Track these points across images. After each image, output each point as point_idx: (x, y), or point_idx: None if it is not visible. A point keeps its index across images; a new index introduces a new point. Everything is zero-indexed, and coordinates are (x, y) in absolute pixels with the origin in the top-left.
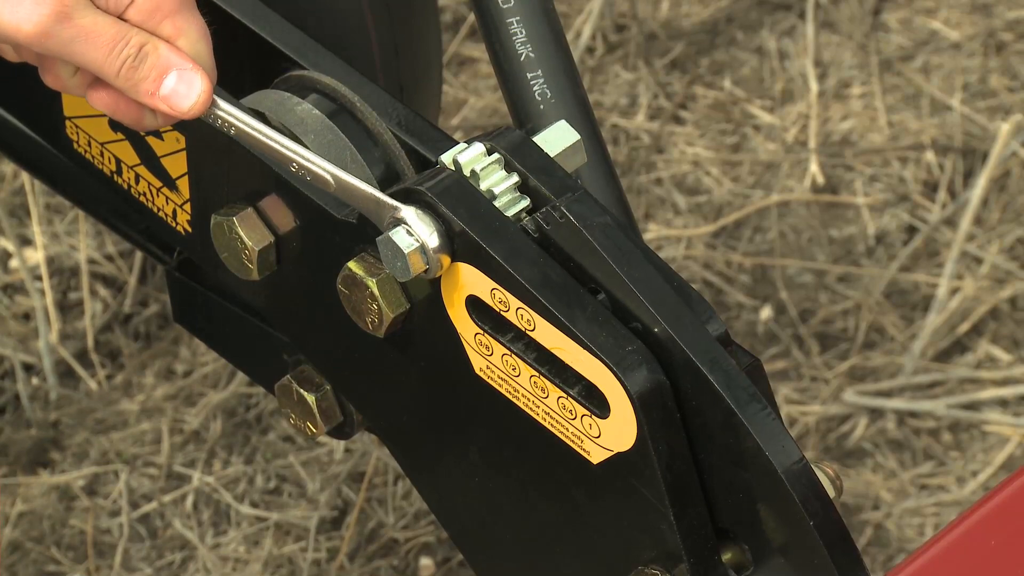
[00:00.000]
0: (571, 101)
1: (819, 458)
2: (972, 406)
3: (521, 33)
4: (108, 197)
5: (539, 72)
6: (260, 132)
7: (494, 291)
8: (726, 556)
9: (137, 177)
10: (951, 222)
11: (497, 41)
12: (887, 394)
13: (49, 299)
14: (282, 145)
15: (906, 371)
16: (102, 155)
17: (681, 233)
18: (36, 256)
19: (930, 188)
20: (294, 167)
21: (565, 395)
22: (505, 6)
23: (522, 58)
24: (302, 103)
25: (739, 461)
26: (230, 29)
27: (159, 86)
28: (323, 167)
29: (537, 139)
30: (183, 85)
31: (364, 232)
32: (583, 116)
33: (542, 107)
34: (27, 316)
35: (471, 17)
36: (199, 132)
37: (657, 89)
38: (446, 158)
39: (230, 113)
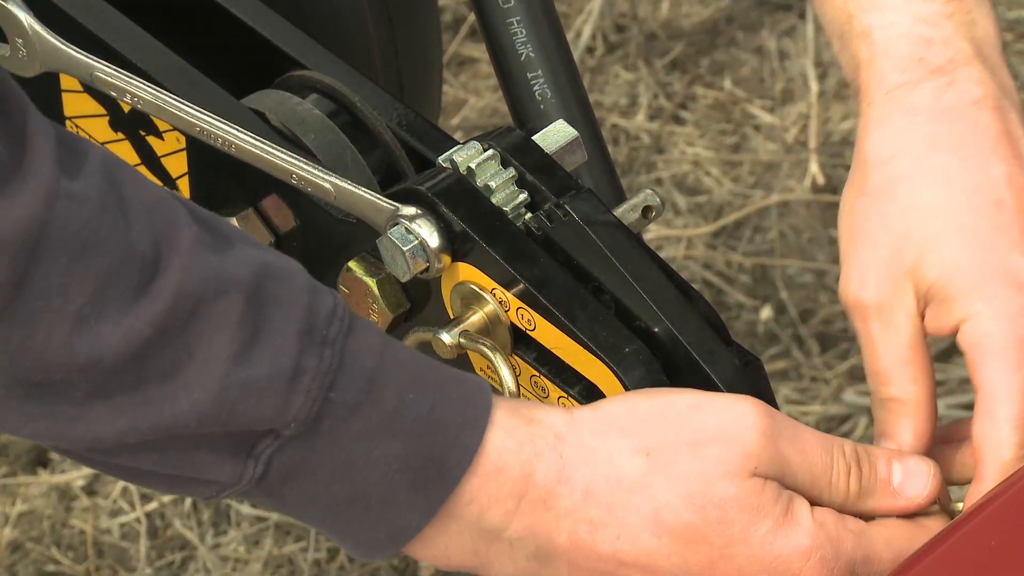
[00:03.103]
0: (571, 101)
1: None
2: (972, 406)
3: (521, 33)
4: None
5: (539, 72)
6: (259, 147)
7: (494, 291)
8: None
9: None
10: None
11: (497, 41)
12: None
13: None
14: (280, 158)
15: None
16: None
17: (681, 233)
18: None
19: None
20: (294, 179)
21: (565, 395)
22: (505, 6)
23: (522, 58)
24: (302, 103)
25: None
26: (230, 29)
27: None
28: (323, 177)
29: (535, 137)
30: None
31: (364, 232)
32: (583, 116)
33: (542, 107)
34: None
35: (471, 17)
36: None
37: (657, 89)
38: (444, 159)
39: (227, 131)
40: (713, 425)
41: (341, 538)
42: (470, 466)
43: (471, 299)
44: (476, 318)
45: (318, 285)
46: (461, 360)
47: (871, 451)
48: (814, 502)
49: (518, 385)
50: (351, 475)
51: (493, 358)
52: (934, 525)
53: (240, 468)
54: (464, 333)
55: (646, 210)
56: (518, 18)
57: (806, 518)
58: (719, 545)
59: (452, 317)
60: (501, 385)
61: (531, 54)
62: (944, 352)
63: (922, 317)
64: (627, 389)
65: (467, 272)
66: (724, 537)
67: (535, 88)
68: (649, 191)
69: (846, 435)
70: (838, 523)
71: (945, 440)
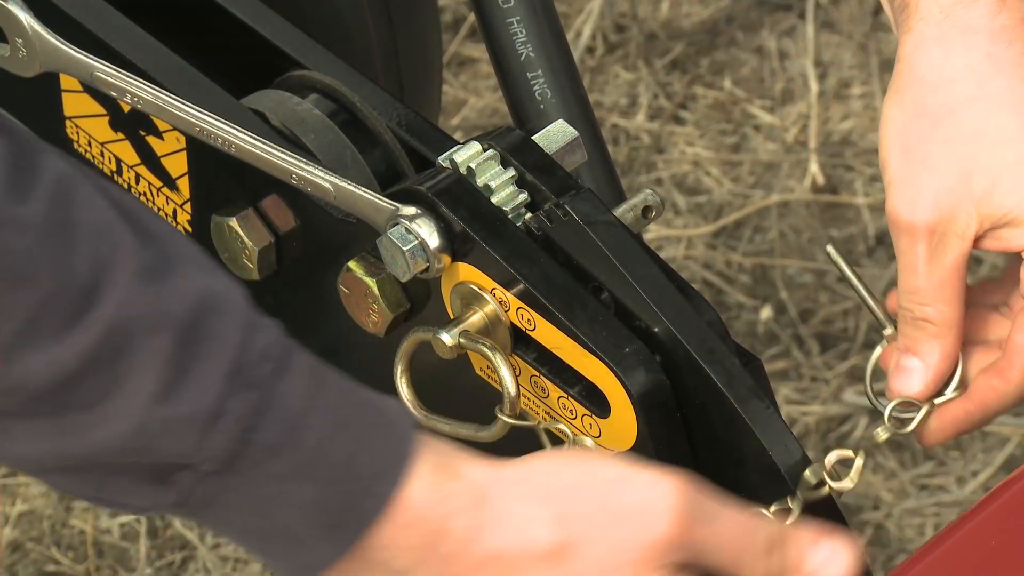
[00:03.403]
0: (571, 101)
1: (819, 458)
2: None
3: (521, 33)
4: None
5: (539, 72)
6: (259, 147)
7: (494, 291)
8: None
9: (137, 177)
10: None
11: (497, 41)
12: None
13: None
14: (280, 158)
15: None
16: (102, 155)
17: (681, 233)
18: None
19: None
20: (294, 179)
21: (565, 395)
22: (505, 6)
23: (522, 58)
24: (302, 103)
25: (741, 460)
26: (230, 29)
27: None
28: (323, 177)
29: (535, 137)
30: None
31: (364, 232)
32: (583, 116)
33: (542, 107)
34: None
35: (471, 17)
36: None
37: (657, 89)
38: (444, 159)
39: (227, 131)
40: (631, 503)
41: (262, 558)
42: (384, 515)
43: (471, 299)
44: (476, 318)
45: (257, 320)
46: (461, 360)
47: (791, 533)
48: None
49: (518, 386)
50: (266, 511)
51: (493, 358)
52: None
53: (158, 495)
54: (464, 333)
55: (646, 210)
56: (518, 18)
57: None
58: None
59: (452, 317)
60: (501, 385)
61: (531, 54)
62: None
63: (974, 243)
64: (627, 389)
65: (467, 272)
66: None
67: (535, 88)
68: (649, 191)
69: (846, 435)
70: None
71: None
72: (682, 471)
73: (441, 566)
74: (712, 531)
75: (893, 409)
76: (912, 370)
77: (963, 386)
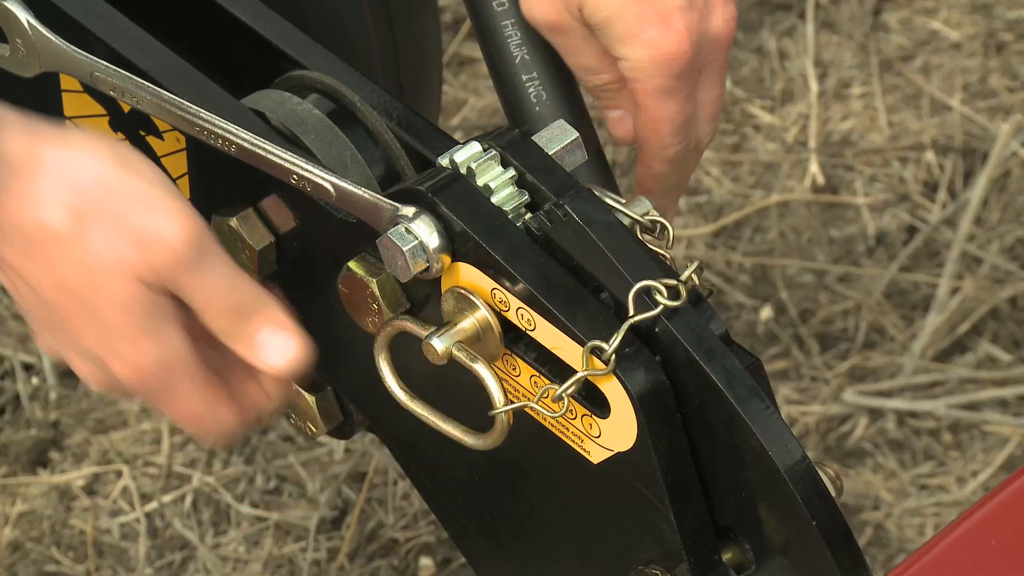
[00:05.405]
0: (567, 103)
1: (819, 458)
2: (972, 406)
3: (516, 35)
4: None
5: (534, 74)
6: (259, 147)
7: (494, 291)
8: (727, 556)
9: None
10: (951, 222)
11: (492, 43)
12: (887, 394)
13: None
14: (280, 158)
15: (906, 371)
16: None
17: (681, 233)
18: None
19: (930, 188)
20: (294, 179)
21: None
22: (500, 9)
23: (517, 60)
24: (302, 103)
25: (741, 460)
26: (230, 29)
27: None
28: (323, 177)
29: (535, 138)
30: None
31: (364, 232)
32: (579, 117)
33: (538, 109)
34: None
35: None
36: None
37: None
38: (443, 159)
39: (227, 130)
40: (146, 225)
41: None
42: None
43: (464, 304)
44: (467, 324)
45: None
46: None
47: (266, 311)
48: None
49: (508, 400)
50: None
51: (482, 374)
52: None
53: None
54: (457, 345)
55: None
56: (512, 20)
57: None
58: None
59: (445, 320)
60: (490, 399)
61: (526, 56)
62: (944, 352)
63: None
64: (627, 389)
65: (467, 272)
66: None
67: (530, 90)
68: (643, 198)
69: (846, 435)
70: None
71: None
72: (196, 216)
73: None
74: (200, 275)
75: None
76: (621, 118)
77: None
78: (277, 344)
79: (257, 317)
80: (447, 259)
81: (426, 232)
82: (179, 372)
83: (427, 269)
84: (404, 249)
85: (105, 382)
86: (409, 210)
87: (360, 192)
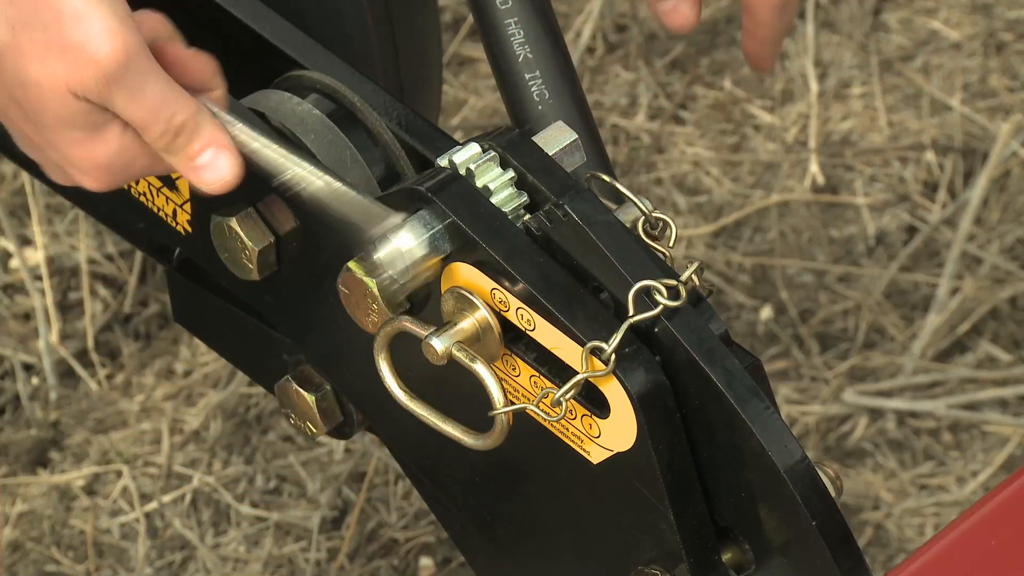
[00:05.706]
0: (569, 101)
1: (819, 458)
2: (972, 406)
3: (519, 34)
4: (108, 197)
5: (537, 73)
6: (258, 150)
7: (494, 291)
8: (727, 556)
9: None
10: (951, 222)
11: (495, 42)
12: (887, 394)
13: (49, 299)
14: (280, 158)
15: (906, 371)
16: None
17: (681, 233)
18: (36, 256)
19: (930, 188)
20: (293, 179)
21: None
22: (503, 7)
23: (520, 59)
24: (302, 103)
25: (741, 460)
26: (230, 29)
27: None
28: (321, 177)
29: (534, 139)
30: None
31: (364, 232)
32: (581, 116)
33: (540, 108)
34: (27, 316)
35: (471, 17)
36: None
37: (657, 89)
38: (442, 160)
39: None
40: (78, 37)
41: None
42: None
43: (464, 304)
44: (467, 324)
45: None
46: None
47: (206, 129)
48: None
49: (507, 401)
50: None
51: (482, 375)
52: None
53: None
54: (457, 345)
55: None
56: (516, 19)
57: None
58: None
59: (445, 320)
60: (490, 399)
61: (529, 55)
62: (944, 352)
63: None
64: (627, 389)
65: (467, 272)
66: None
67: (533, 89)
68: (645, 199)
69: (846, 435)
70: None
71: None
72: (128, 32)
73: None
74: (131, 93)
75: None
76: (675, 7)
77: None
78: (213, 163)
79: (194, 135)
80: (437, 264)
81: (425, 232)
82: (134, 154)
83: (415, 278)
84: (403, 249)
85: (74, 183)
86: (409, 210)
87: (357, 196)
